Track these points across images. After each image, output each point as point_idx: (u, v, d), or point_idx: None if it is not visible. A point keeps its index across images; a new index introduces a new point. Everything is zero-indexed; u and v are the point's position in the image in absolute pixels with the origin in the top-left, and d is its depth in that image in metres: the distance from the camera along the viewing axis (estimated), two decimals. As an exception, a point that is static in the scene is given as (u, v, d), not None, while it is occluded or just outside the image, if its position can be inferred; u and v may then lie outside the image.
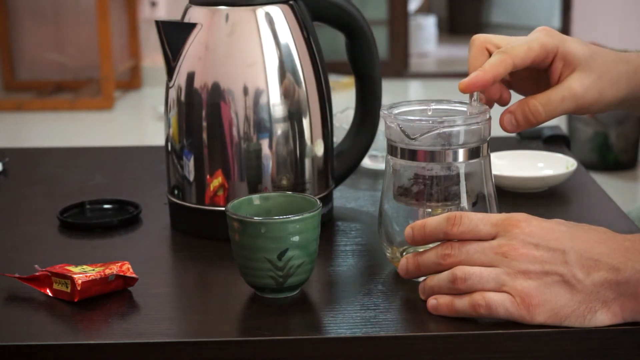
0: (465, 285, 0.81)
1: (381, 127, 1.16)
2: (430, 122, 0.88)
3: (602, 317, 0.80)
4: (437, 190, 0.89)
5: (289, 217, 0.86)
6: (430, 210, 0.89)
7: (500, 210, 0.91)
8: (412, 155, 0.89)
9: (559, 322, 0.80)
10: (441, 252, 0.83)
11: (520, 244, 0.81)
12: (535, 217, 0.83)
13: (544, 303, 0.80)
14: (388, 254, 0.94)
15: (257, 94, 1.00)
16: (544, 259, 0.80)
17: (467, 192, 0.89)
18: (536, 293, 0.80)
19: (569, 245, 0.80)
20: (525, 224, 0.82)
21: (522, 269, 0.80)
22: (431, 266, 0.84)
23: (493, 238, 0.82)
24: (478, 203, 0.91)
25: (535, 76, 0.96)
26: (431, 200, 0.89)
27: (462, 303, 0.82)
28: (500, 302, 0.80)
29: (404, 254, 0.92)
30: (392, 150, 0.91)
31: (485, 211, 0.90)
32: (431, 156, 0.88)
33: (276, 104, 1.01)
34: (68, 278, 0.87)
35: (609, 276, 0.79)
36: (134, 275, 0.89)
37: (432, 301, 0.83)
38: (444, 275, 0.83)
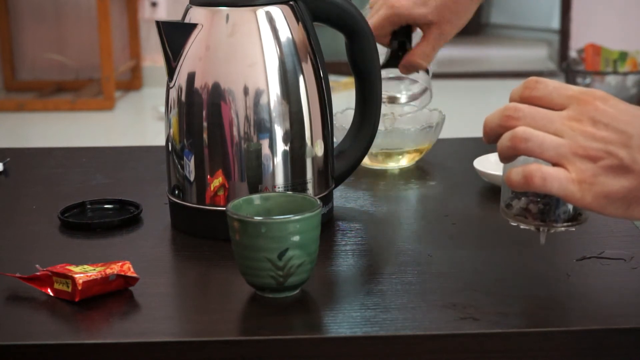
0: (525, 146, 0.77)
1: (381, 126, 1.17)
2: None
3: None
4: None
5: (289, 217, 0.86)
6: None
7: None
8: None
9: (602, 208, 0.77)
10: (505, 114, 0.79)
11: (589, 121, 0.77)
12: (614, 97, 0.79)
13: (597, 184, 0.76)
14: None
15: (258, 94, 1.00)
16: (609, 139, 0.76)
17: None
18: (592, 173, 0.76)
19: (639, 130, 0.77)
20: (601, 102, 0.78)
21: (585, 145, 0.76)
22: (495, 128, 0.80)
23: (564, 109, 0.78)
24: None
25: None
26: None
27: (515, 172, 0.78)
28: (556, 176, 0.76)
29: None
30: None
31: None
32: None
33: (276, 104, 1.01)
34: (69, 278, 0.87)
35: None
36: (134, 275, 0.89)
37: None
38: (506, 134, 0.79)
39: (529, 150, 0.77)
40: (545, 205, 0.83)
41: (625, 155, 0.76)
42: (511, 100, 0.81)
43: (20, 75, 5.10)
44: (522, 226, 0.85)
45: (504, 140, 0.78)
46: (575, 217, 0.85)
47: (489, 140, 0.81)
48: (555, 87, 0.79)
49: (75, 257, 0.95)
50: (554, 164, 0.77)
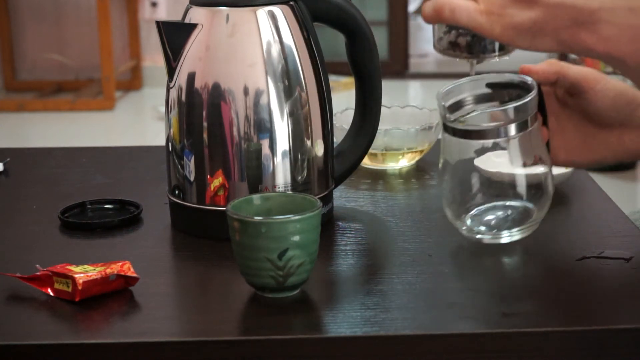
0: None
1: (381, 126, 1.16)
2: None
3: (548, 42, 0.81)
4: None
5: (289, 217, 0.86)
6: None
7: None
8: None
9: (510, 39, 0.82)
10: None
11: None
12: None
13: (505, 16, 0.81)
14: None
15: (258, 94, 1.00)
16: None
17: None
18: (500, 5, 0.81)
19: None
20: None
21: None
22: None
23: None
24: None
25: None
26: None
27: (428, 6, 0.83)
28: (464, 7, 0.81)
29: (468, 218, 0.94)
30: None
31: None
32: None
33: (276, 104, 1.01)
34: (69, 278, 0.87)
35: (574, 1, 0.80)
36: (134, 275, 0.89)
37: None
38: None
39: None
40: (473, 37, 0.87)
41: None
42: None
43: (20, 75, 5.10)
44: (457, 59, 0.89)
45: None
46: (503, 47, 0.88)
47: None
48: None
49: (75, 257, 0.95)
50: None
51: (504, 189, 0.94)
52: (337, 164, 1.11)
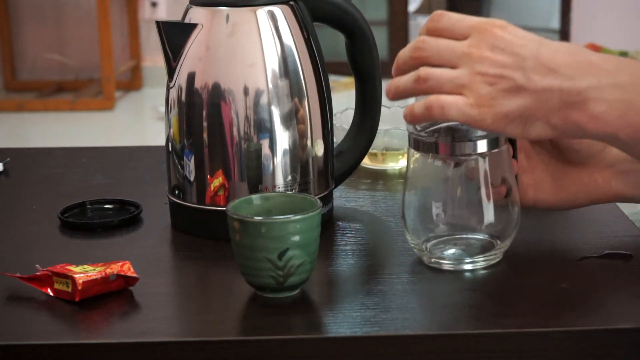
0: (426, 85, 0.84)
1: (381, 126, 1.16)
2: None
3: (539, 128, 0.83)
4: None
5: (289, 217, 0.86)
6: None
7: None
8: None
9: (502, 128, 0.83)
10: (414, 46, 0.87)
11: (487, 47, 0.83)
12: (513, 25, 0.85)
13: (495, 106, 0.82)
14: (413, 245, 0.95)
15: (258, 94, 1.00)
16: (504, 63, 0.82)
17: None
18: (489, 97, 0.82)
19: (533, 52, 0.83)
20: (499, 30, 0.84)
21: (482, 71, 0.82)
22: (407, 60, 0.87)
23: (466, 39, 0.85)
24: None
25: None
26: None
27: (418, 106, 0.85)
28: (453, 103, 0.83)
29: (429, 246, 0.94)
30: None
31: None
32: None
33: (276, 104, 1.01)
34: (69, 278, 0.87)
35: (562, 84, 0.82)
36: (134, 275, 0.89)
37: (407, 110, 0.87)
38: (410, 75, 0.86)
39: (431, 89, 0.84)
40: (454, 140, 0.89)
41: (519, 77, 0.82)
42: (420, 33, 0.88)
43: (20, 75, 5.10)
44: (436, 162, 0.91)
45: (409, 82, 0.86)
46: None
47: (399, 73, 0.88)
48: (458, 18, 0.86)
49: (75, 257, 0.95)
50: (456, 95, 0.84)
51: (468, 221, 0.93)
52: (337, 164, 1.11)
